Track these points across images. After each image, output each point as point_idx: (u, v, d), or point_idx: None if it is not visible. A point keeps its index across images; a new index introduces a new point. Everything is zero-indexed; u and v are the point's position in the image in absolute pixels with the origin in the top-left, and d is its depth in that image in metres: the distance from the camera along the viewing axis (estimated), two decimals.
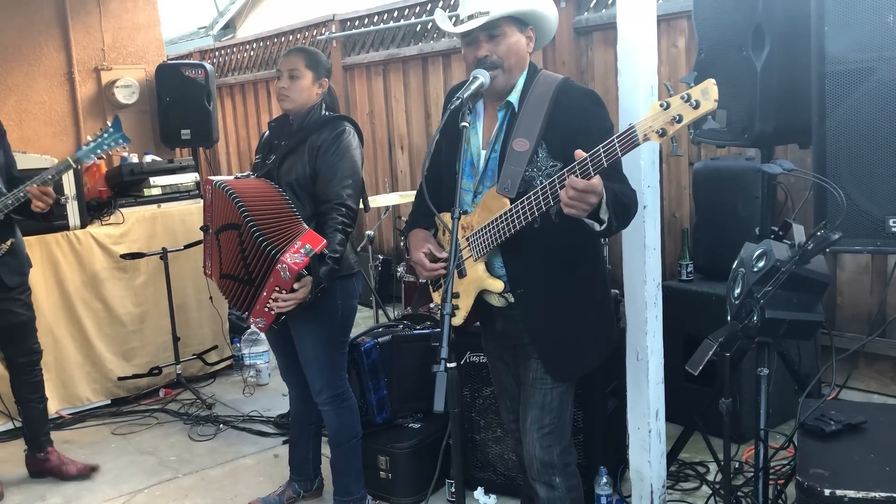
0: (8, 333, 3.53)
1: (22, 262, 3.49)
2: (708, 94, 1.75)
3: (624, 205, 2.05)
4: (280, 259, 2.77)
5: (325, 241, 2.83)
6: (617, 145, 1.87)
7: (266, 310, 2.86)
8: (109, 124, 3.27)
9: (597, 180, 1.89)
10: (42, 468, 3.74)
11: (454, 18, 2.37)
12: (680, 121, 1.78)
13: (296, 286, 2.79)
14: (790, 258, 2.25)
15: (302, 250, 2.80)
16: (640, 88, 2.66)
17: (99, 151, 3.27)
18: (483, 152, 2.31)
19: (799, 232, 2.38)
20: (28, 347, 3.59)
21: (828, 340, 3.41)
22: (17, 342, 3.57)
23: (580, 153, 1.91)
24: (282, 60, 3.02)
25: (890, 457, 2.11)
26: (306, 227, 2.86)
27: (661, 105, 1.80)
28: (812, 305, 2.37)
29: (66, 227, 4.30)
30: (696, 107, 1.76)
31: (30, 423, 3.70)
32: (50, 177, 3.20)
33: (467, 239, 2.28)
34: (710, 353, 2.21)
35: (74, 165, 3.25)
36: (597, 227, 2.02)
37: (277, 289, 2.82)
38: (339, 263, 2.87)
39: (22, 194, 3.19)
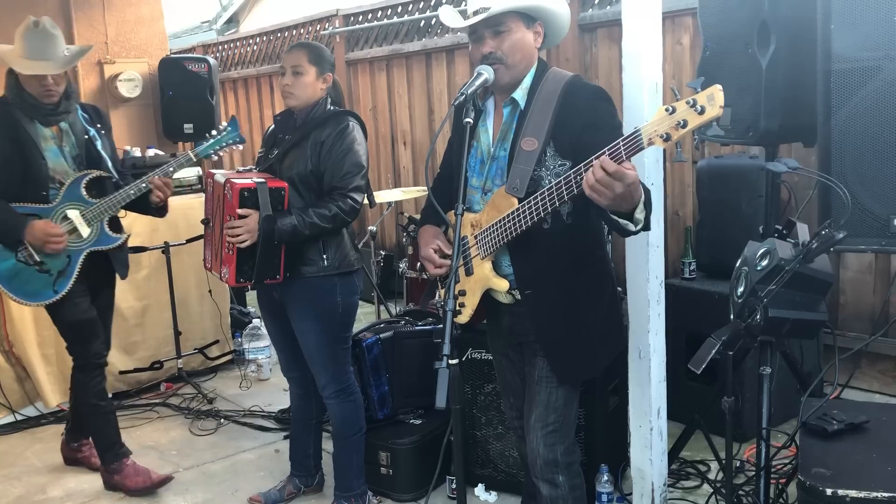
0: (102, 323, 3.55)
1: (127, 256, 3.50)
2: (713, 99, 1.73)
3: (650, 203, 2.05)
4: (227, 181, 2.86)
5: (285, 183, 2.88)
6: (622, 148, 1.86)
7: (227, 252, 2.88)
8: (227, 123, 3.32)
9: (631, 173, 1.85)
10: (75, 457, 3.76)
11: (460, 14, 2.36)
12: (685, 126, 1.76)
13: (241, 211, 2.81)
14: (794, 257, 2.25)
15: (252, 179, 2.87)
16: (644, 86, 2.65)
17: (217, 148, 3.30)
18: (493, 150, 2.30)
19: (803, 231, 2.38)
20: (106, 341, 3.60)
21: (830, 340, 3.40)
22: (102, 336, 3.56)
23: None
24: (285, 57, 3.00)
25: (892, 456, 2.10)
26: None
27: (667, 109, 1.78)
28: (815, 304, 2.36)
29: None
30: (702, 112, 1.74)
31: (78, 411, 3.72)
32: (171, 169, 3.24)
33: (476, 237, 2.28)
34: (714, 351, 2.21)
35: (195, 159, 3.29)
36: (631, 227, 2.01)
37: (229, 217, 2.86)
38: (309, 231, 2.84)
39: (144, 185, 3.20)
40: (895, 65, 2.14)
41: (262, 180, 2.87)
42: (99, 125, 3.42)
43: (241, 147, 3.40)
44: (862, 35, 2.19)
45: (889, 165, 2.19)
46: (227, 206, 2.89)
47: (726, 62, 2.79)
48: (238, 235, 2.83)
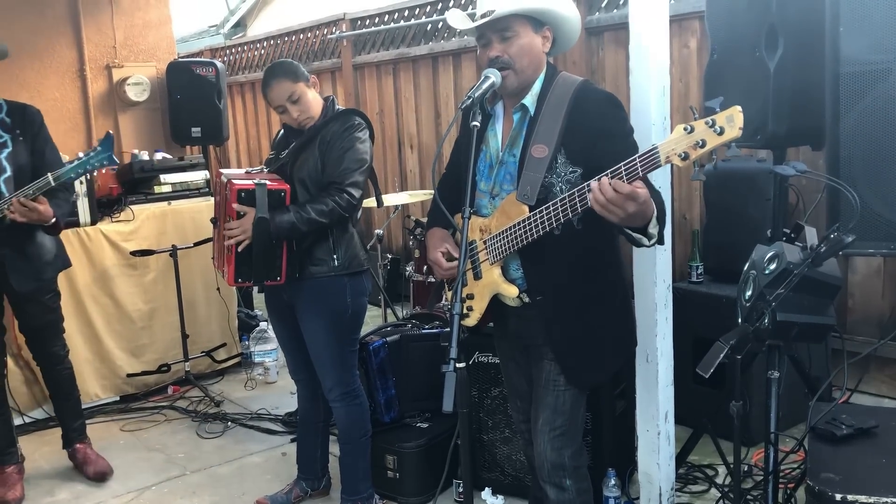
0: (30, 334, 3.58)
1: (39, 268, 3.40)
2: (733, 121, 1.73)
3: (664, 215, 2.06)
4: (228, 182, 2.86)
5: (286, 185, 2.86)
6: (639, 165, 1.85)
7: (227, 252, 2.88)
8: (98, 143, 3.16)
9: (643, 192, 1.85)
10: (73, 462, 3.79)
11: (469, 18, 2.36)
12: (703, 146, 1.76)
13: (236, 206, 2.80)
14: (802, 261, 2.24)
15: (253, 180, 2.85)
16: (651, 89, 2.65)
17: (81, 171, 3.15)
18: (501, 154, 2.30)
19: (811, 234, 2.37)
20: (48, 350, 3.60)
21: (839, 344, 3.38)
22: (39, 343, 3.59)
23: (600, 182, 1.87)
24: (270, 96, 2.93)
25: None
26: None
27: (686, 128, 1.78)
28: (824, 308, 2.35)
29: (76, 224, 4.31)
30: (721, 133, 1.74)
31: (59, 416, 3.75)
32: (31, 192, 3.13)
33: (485, 242, 2.27)
34: (721, 355, 2.20)
35: (52, 183, 3.13)
36: (645, 241, 2.01)
37: (228, 217, 2.86)
38: (306, 227, 2.82)
39: (5, 206, 3.13)
40: None
41: (263, 182, 2.85)
42: (19, 130, 3.29)
43: (112, 168, 3.23)
44: (871, 38, 2.18)
45: None
46: (227, 206, 2.89)
47: (734, 65, 2.79)
48: (234, 236, 2.83)
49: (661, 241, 2.07)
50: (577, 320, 2.25)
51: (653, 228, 1.99)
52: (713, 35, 2.93)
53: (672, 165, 1.81)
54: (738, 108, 1.73)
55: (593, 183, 1.89)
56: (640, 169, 1.85)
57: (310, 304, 2.97)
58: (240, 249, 2.84)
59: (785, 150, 2.89)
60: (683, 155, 1.78)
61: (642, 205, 1.86)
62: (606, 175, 1.90)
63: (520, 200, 2.16)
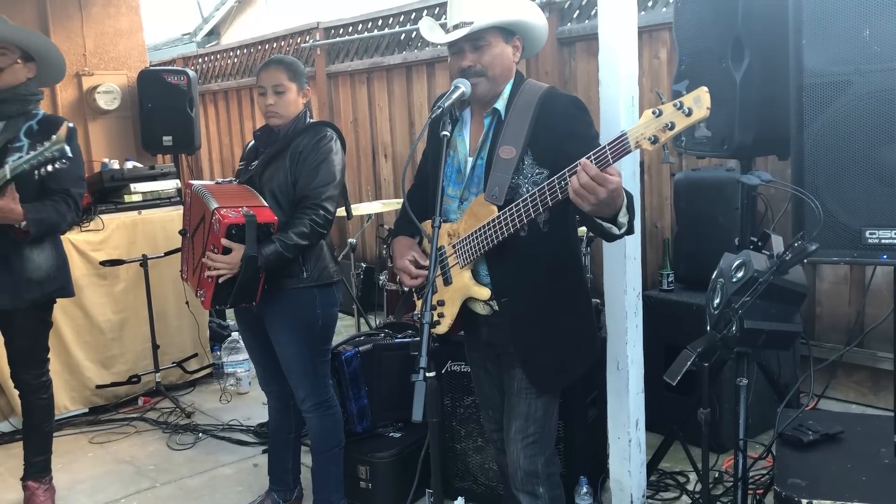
0: (8, 353, 3.36)
1: (19, 285, 3.14)
2: (700, 101, 1.76)
3: (633, 205, 2.06)
4: (216, 211, 2.76)
5: (275, 218, 2.81)
6: (608, 152, 1.86)
7: (206, 278, 2.83)
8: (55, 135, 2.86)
9: (615, 179, 1.85)
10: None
11: (440, 27, 2.38)
12: (672, 128, 1.78)
13: (225, 242, 2.73)
14: (768, 269, 2.27)
15: (241, 210, 2.77)
16: (621, 98, 2.68)
17: (35, 162, 2.82)
18: (470, 159, 2.31)
19: (777, 243, 2.40)
20: (19, 374, 3.34)
21: (807, 350, 3.43)
22: (12, 364, 3.37)
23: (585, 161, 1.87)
24: (262, 75, 2.92)
25: (866, 466, 2.13)
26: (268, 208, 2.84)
27: (654, 112, 1.79)
28: (790, 316, 2.38)
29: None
30: (689, 114, 1.76)
31: (24, 443, 3.47)
32: None
33: (454, 246, 2.28)
34: (689, 363, 2.22)
35: (8, 175, 2.83)
36: (615, 230, 2.01)
37: (212, 247, 2.78)
38: (292, 253, 2.80)
39: None
40: (865, 79, 2.17)
41: (253, 216, 2.77)
42: (40, 139, 3.02)
43: (65, 162, 2.85)
44: (833, 50, 2.22)
45: (860, 178, 2.22)
46: (212, 235, 2.80)
47: (701, 76, 2.82)
48: (218, 269, 2.77)
49: (630, 231, 2.07)
50: (543, 323, 2.26)
51: (622, 218, 1.99)
52: (681, 46, 2.97)
53: (642, 175, 1.83)
54: (705, 88, 1.75)
55: (572, 180, 1.88)
56: (609, 156, 1.86)
57: (279, 316, 2.95)
58: (221, 281, 2.79)
59: (753, 160, 2.93)
60: (653, 138, 1.80)
61: (613, 192, 1.86)
62: (565, 176, 1.92)
63: (488, 201, 2.17)
